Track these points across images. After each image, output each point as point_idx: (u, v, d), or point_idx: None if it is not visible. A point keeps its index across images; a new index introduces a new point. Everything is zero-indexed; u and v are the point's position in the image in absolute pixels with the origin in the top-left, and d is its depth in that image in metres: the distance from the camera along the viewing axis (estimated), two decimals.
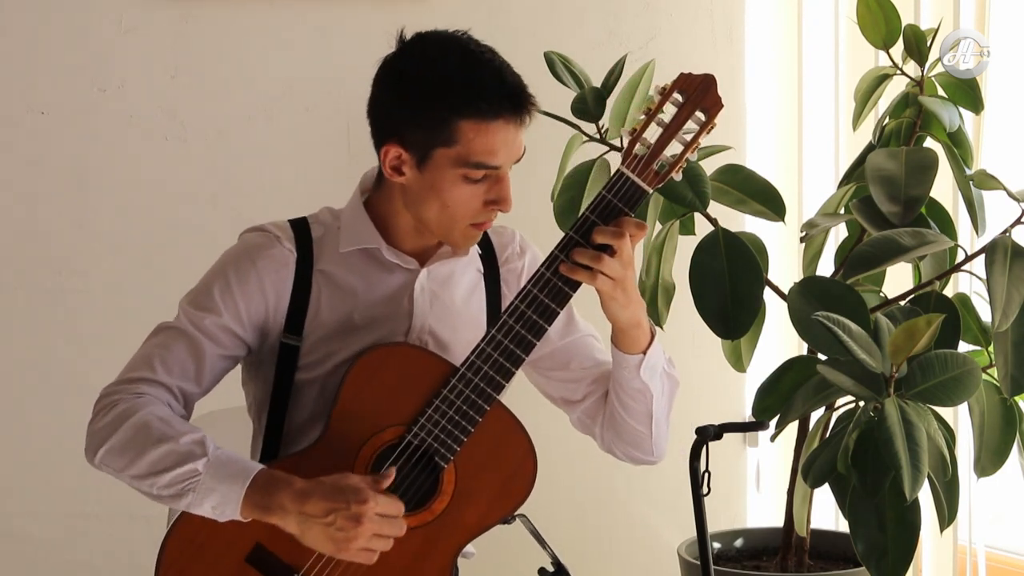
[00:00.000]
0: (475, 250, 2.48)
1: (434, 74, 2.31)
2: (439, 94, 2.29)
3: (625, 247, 2.28)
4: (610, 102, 3.13)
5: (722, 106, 2.30)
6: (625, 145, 2.30)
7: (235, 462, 2.27)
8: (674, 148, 2.29)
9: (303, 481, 2.23)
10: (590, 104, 3.09)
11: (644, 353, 2.40)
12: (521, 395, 2.51)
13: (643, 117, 2.30)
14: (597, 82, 3.13)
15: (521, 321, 2.30)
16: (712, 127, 2.30)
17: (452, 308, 2.46)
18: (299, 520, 2.22)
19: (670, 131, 2.29)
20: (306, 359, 2.40)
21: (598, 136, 3.13)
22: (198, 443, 2.28)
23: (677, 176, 2.31)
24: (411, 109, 2.32)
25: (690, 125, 2.29)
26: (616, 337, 2.41)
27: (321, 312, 2.40)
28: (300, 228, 2.43)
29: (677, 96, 2.30)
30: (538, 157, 3.48)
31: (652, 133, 2.29)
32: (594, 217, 2.29)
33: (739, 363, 3.25)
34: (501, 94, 2.30)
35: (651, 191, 2.29)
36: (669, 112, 2.29)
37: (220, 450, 2.29)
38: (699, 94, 2.29)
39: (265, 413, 2.43)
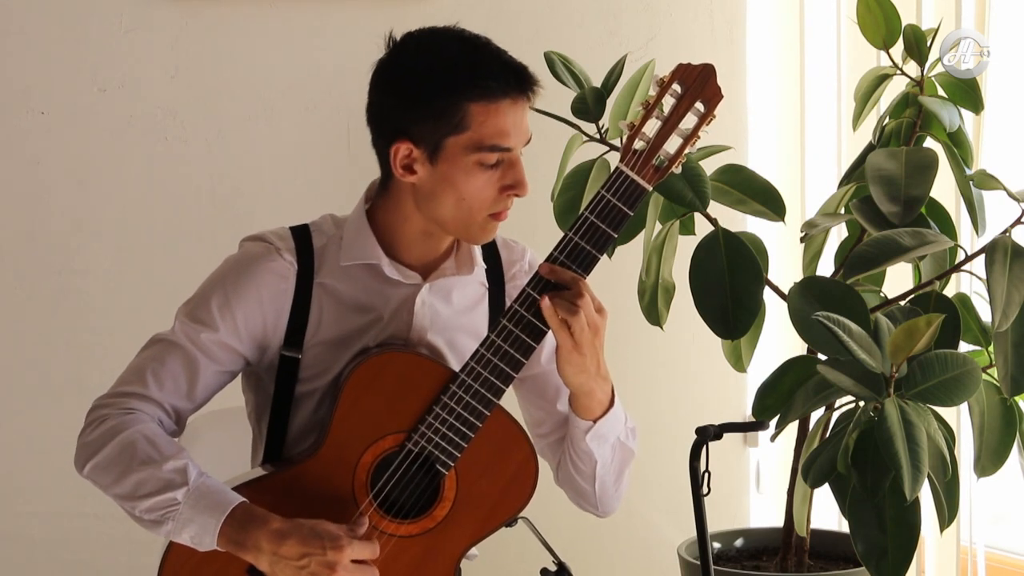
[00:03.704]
0: (480, 265, 2.43)
1: (436, 63, 2.28)
2: (444, 81, 2.26)
3: (577, 322, 2.23)
4: (610, 102, 3.12)
5: (722, 96, 2.25)
6: (624, 142, 2.25)
7: (215, 493, 2.24)
8: (674, 142, 2.25)
9: (281, 521, 2.21)
10: (590, 104, 3.09)
11: (595, 422, 2.37)
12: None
13: (641, 110, 2.25)
14: (597, 82, 3.13)
15: (520, 325, 2.27)
16: (712, 118, 2.25)
17: (452, 322, 2.42)
18: (272, 560, 2.20)
19: (669, 124, 2.24)
20: (306, 371, 2.37)
21: (598, 136, 3.13)
22: (180, 471, 2.25)
23: (677, 170, 2.27)
24: (417, 102, 2.28)
25: (689, 117, 2.24)
26: (570, 397, 2.38)
27: (322, 326, 2.37)
28: (301, 237, 2.39)
29: (676, 87, 2.24)
30: (538, 157, 3.48)
31: (651, 127, 2.24)
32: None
33: (739, 363, 3.25)
34: (506, 72, 2.27)
35: (651, 188, 2.25)
36: (668, 105, 2.24)
37: (202, 479, 2.26)
38: (698, 84, 2.25)
39: (265, 422, 2.41)
